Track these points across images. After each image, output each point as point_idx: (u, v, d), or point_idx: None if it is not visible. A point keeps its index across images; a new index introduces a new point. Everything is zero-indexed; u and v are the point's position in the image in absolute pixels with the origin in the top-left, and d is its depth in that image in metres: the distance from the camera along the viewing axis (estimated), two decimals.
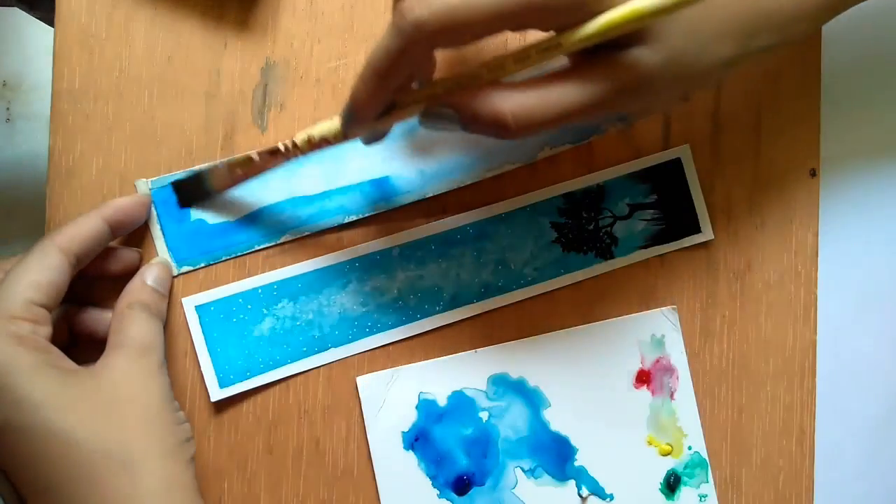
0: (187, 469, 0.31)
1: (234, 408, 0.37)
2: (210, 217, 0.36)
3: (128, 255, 0.35)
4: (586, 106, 0.26)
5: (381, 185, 0.37)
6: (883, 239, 0.40)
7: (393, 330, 0.37)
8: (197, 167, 0.36)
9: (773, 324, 0.39)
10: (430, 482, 0.37)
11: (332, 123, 0.31)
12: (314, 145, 0.32)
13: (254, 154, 0.34)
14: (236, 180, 0.35)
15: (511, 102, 0.26)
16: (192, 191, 0.36)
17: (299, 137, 0.32)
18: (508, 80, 0.28)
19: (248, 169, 0.35)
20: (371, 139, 0.32)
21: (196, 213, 0.36)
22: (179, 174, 0.36)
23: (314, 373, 0.37)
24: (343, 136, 0.31)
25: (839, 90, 0.40)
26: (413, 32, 0.25)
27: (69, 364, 0.31)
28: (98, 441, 0.29)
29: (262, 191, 0.37)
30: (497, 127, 0.27)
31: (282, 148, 0.33)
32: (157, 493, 0.29)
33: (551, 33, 0.27)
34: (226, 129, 0.36)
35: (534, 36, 0.27)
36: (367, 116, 0.28)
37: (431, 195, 0.37)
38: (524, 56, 0.27)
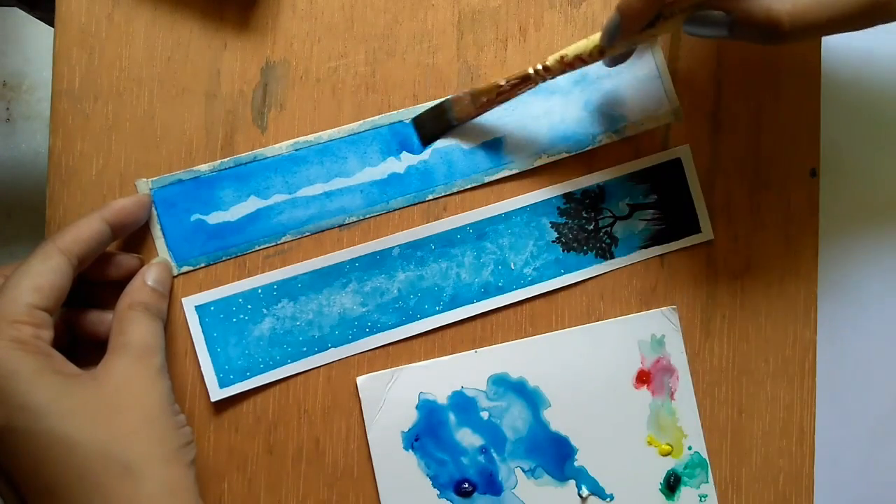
0: (188, 472, 0.31)
1: (234, 408, 0.37)
2: (234, 211, 0.36)
3: (128, 261, 0.35)
4: (868, 5, 0.26)
5: (381, 186, 0.37)
6: (883, 239, 0.40)
7: (393, 330, 0.37)
8: (439, 100, 0.35)
9: (773, 324, 0.39)
10: (430, 482, 0.37)
11: (587, 42, 0.30)
12: (567, 65, 0.31)
13: (502, 81, 0.33)
14: (481, 109, 0.35)
15: (787, 2, 0.26)
16: (433, 124, 0.36)
17: (551, 59, 0.31)
18: None
19: (494, 97, 0.34)
20: (621, 59, 0.32)
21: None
22: (419, 108, 0.35)
23: (314, 373, 0.37)
24: (600, 52, 0.30)
25: (839, 90, 0.40)
26: None
27: (71, 368, 0.30)
28: (99, 445, 0.29)
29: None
30: (770, 27, 0.26)
31: (531, 72, 0.32)
32: (158, 497, 0.29)
33: None
34: (226, 129, 0.36)
35: None
36: (635, 28, 0.28)
37: (431, 197, 0.37)
38: None
